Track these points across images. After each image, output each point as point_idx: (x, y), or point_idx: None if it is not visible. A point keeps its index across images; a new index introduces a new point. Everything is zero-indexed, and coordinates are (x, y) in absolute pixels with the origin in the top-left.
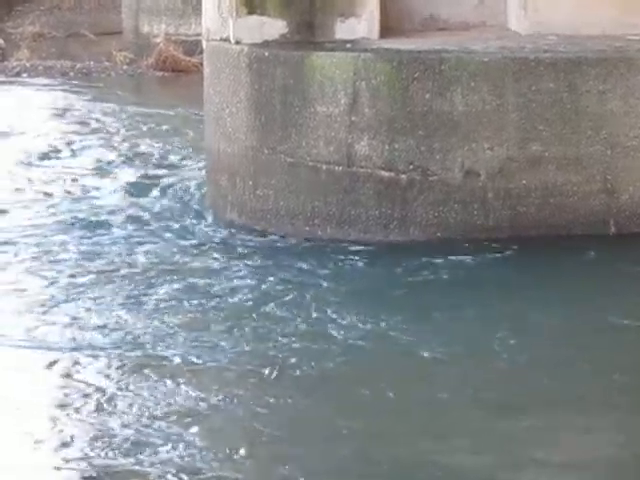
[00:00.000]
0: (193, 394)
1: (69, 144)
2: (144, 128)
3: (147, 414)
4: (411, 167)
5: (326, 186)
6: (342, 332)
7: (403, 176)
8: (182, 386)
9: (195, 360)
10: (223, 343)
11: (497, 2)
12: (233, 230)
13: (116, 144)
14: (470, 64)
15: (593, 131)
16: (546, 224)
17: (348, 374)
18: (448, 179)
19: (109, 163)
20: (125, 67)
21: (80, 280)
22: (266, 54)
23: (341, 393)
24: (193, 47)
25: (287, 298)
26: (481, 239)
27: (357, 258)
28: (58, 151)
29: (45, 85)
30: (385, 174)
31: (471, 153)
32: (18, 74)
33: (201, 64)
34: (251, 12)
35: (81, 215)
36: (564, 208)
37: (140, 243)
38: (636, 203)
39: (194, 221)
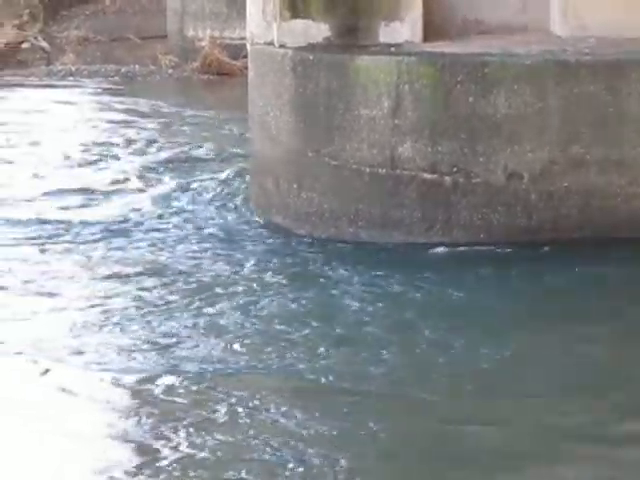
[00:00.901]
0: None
1: (115, 146)
2: (188, 131)
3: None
4: (454, 170)
5: (370, 189)
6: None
7: (447, 178)
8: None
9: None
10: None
11: (539, 6)
12: (278, 233)
13: (160, 147)
14: (513, 67)
15: (635, 133)
16: (589, 226)
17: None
18: (491, 181)
19: (155, 164)
20: (170, 71)
21: (146, 294)
22: (310, 57)
23: None
24: (238, 51)
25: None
26: (524, 241)
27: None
28: (104, 155)
29: (90, 88)
30: (428, 177)
31: (514, 155)
32: (64, 77)
33: (245, 67)
34: (295, 16)
35: (131, 216)
36: (607, 210)
37: (190, 250)
38: None
39: (240, 225)
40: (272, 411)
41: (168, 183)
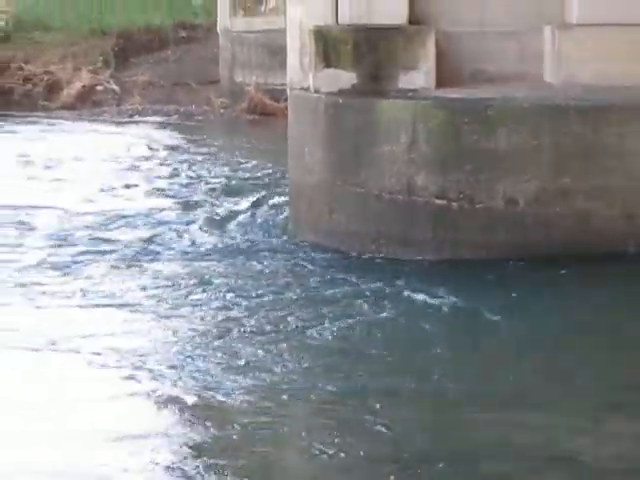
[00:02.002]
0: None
1: (175, 174)
2: (235, 161)
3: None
4: (461, 196)
5: (389, 212)
6: None
7: (454, 204)
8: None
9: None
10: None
11: (534, 59)
12: (310, 248)
13: (213, 175)
14: (512, 110)
15: (615, 166)
16: (576, 243)
17: None
18: (492, 206)
19: (209, 190)
20: (222, 111)
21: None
22: (340, 101)
23: None
24: (279, 94)
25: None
26: (518, 258)
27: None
28: (169, 181)
29: (154, 125)
30: (439, 202)
31: (511, 184)
32: (131, 116)
33: (285, 109)
34: (328, 66)
35: (184, 236)
36: (590, 231)
37: (238, 262)
38: None
39: (280, 241)
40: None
41: (221, 206)
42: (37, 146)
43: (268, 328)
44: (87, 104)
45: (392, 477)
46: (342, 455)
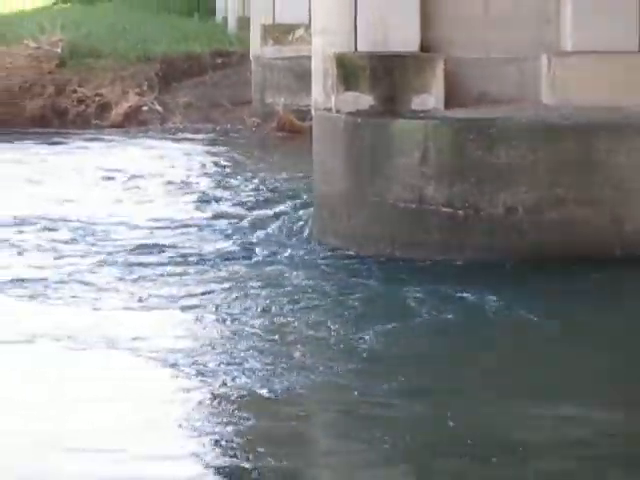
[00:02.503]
0: None
1: (214, 186)
2: (265, 172)
3: None
4: (466, 205)
5: (402, 219)
6: None
7: (460, 212)
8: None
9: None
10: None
11: (532, 83)
12: (331, 250)
13: (247, 185)
14: (511, 128)
15: (603, 179)
16: (568, 248)
17: None
18: (494, 214)
19: (245, 198)
20: (254, 129)
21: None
22: (359, 120)
23: None
24: (305, 114)
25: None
26: (517, 259)
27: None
28: (206, 191)
29: (193, 142)
30: (446, 210)
31: (511, 195)
32: (174, 134)
33: (310, 127)
34: (348, 89)
35: (219, 241)
36: (581, 236)
37: (270, 262)
38: (638, 233)
39: (305, 245)
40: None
41: (255, 213)
42: (95, 160)
43: (315, 329)
44: (134, 123)
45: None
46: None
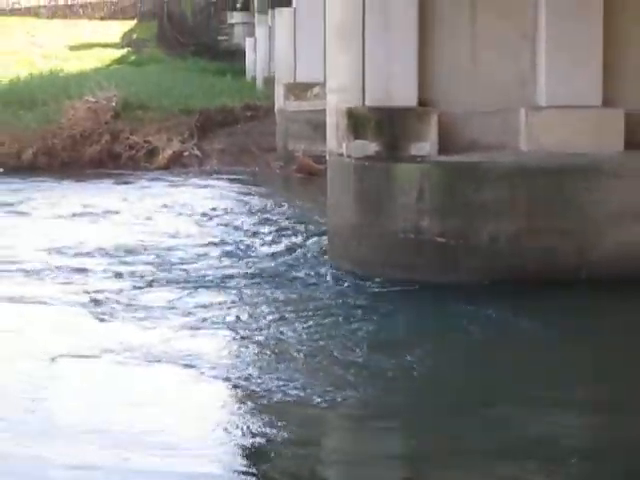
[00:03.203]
0: None
1: (240, 214)
2: (287, 206)
3: None
4: (456, 235)
5: (403, 247)
6: None
7: (452, 241)
8: None
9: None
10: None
11: (513, 132)
12: (343, 273)
13: (271, 217)
14: (494, 170)
15: (572, 213)
16: (543, 271)
17: None
18: (480, 243)
19: (269, 228)
20: (277, 171)
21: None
22: (366, 164)
23: None
24: (320, 159)
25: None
26: (500, 281)
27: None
28: (235, 220)
29: (227, 181)
30: (439, 240)
31: (495, 226)
32: (210, 175)
33: (325, 170)
34: (357, 138)
35: (244, 266)
36: (553, 261)
37: (291, 282)
38: (600, 259)
39: (321, 269)
40: None
41: (278, 241)
42: (155, 197)
43: (343, 345)
44: (177, 166)
45: None
46: None
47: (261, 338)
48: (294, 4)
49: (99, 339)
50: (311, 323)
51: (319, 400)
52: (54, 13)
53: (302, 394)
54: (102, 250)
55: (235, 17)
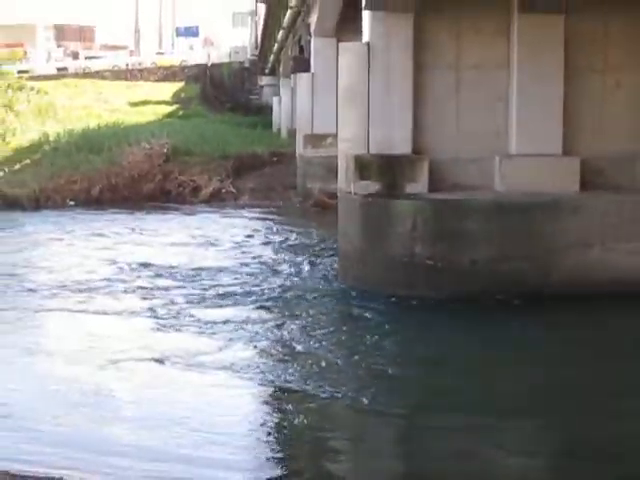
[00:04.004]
0: None
1: (268, 241)
2: (304, 234)
3: None
4: (443, 259)
5: (399, 268)
6: None
7: (439, 264)
8: None
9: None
10: None
11: (489, 175)
12: (353, 291)
13: (290, 242)
14: (474, 206)
15: (537, 241)
16: (513, 289)
17: None
18: (462, 265)
19: (289, 251)
20: (298, 205)
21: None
22: (369, 200)
23: None
24: (333, 195)
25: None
26: (478, 299)
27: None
28: (264, 245)
29: (257, 213)
30: (429, 262)
31: (474, 252)
32: (243, 207)
33: (336, 204)
34: (362, 179)
35: (268, 286)
36: (521, 281)
37: (307, 296)
38: (559, 279)
39: (333, 286)
40: None
41: (296, 263)
42: (197, 226)
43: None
44: (216, 200)
45: None
46: None
47: (286, 341)
48: (312, 70)
49: (157, 345)
50: (324, 330)
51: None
52: (117, 76)
53: (321, 388)
54: (158, 268)
55: (264, 80)
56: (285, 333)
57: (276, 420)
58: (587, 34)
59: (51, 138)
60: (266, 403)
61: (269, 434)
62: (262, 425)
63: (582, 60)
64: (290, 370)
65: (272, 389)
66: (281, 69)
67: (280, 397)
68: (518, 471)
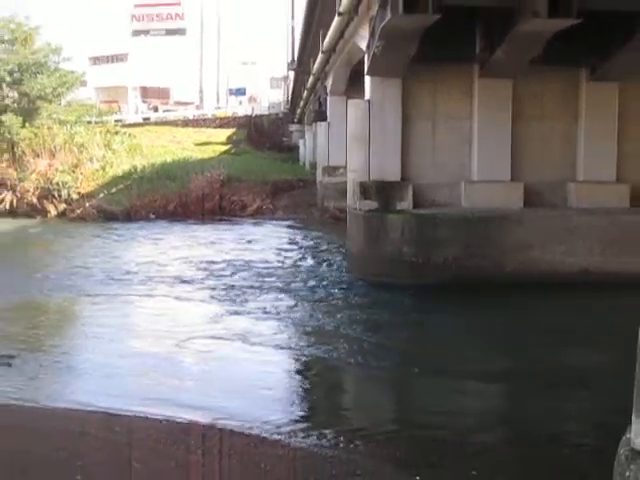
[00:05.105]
0: None
1: (294, 244)
2: (321, 237)
3: None
4: (423, 256)
5: (391, 263)
6: None
7: (420, 260)
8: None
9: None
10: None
11: (458, 196)
12: (359, 280)
13: (308, 244)
14: (446, 218)
15: (492, 244)
16: (474, 279)
17: None
18: (437, 261)
19: (308, 251)
20: (317, 218)
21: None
22: (370, 214)
23: None
24: (343, 210)
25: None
26: (448, 284)
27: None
28: (292, 248)
29: (287, 223)
30: (413, 259)
31: (446, 251)
32: (277, 220)
33: (346, 217)
34: (365, 199)
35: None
36: (480, 273)
37: (324, 283)
38: (509, 271)
39: (343, 276)
40: None
41: (315, 258)
42: (247, 232)
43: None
44: (258, 214)
45: None
46: None
47: (311, 317)
48: (328, 119)
49: (219, 324)
50: (335, 307)
51: (352, 360)
52: (186, 124)
53: (340, 357)
54: (216, 263)
55: (293, 127)
56: (310, 310)
57: (303, 375)
58: (529, 93)
59: (138, 169)
60: (297, 365)
61: (301, 387)
62: (295, 380)
63: (525, 112)
64: (312, 340)
65: (301, 356)
66: (305, 119)
67: (305, 361)
68: None
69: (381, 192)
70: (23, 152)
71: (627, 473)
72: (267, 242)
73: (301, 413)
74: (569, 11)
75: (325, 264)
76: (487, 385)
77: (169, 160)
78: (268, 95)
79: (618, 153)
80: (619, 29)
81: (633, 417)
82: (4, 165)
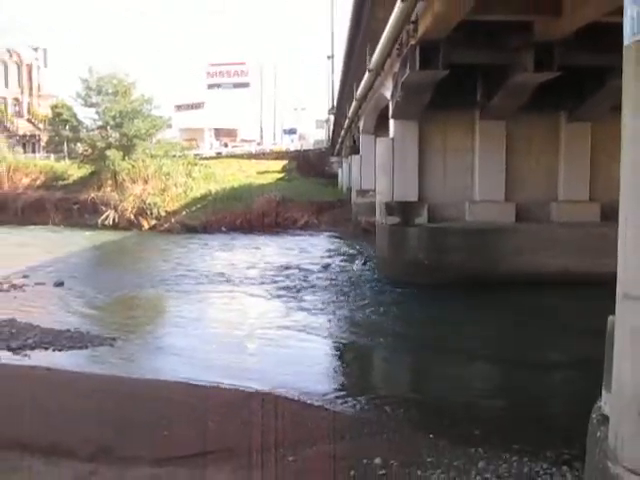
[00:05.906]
0: None
1: (332, 250)
2: (353, 247)
3: None
4: (434, 261)
5: (411, 267)
6: None
7: (433, 264)
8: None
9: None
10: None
11: (462, 212)
12: (386, 278)
13: (343, 251)
14: (454, 231)
15: (490, 251)
16: (476, 279)
17: None
18: (445, 265)
19: (342, 256)
20: (351, 230)
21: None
22: (394, 228)
23: None
24: (373, 224)
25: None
26: (454, 283)
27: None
28: (326, 254)
29: (328, 236)
30: (427, 263)
31: (452, 257)
32: (322, 232)
33: (375, 229)
34: (389, 215)
35: (325, 284)
36: (479, 274)
37: (358, 281)
38: (505, 273)
39: (374, 275)
40: None
41: (351, 262)
42: (296, 243)
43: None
44: (306, 228)
45: None
46: None
47: (348, 313)
48: (360, 153)
49: (274, 318)
50: (367, 302)
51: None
52: (250, 157)
53: (369, 341)
54: (274, 266)
55: (333, 159)
56: (352, 302)
57: (342, 355)
58: (519, 132)
59: (212, 192)
60: (338, 347)
61: (340, 365)
62: (336, 359)
63: (516, 146)
64: (349, 328)
65: (341, 340)
66: (343, 152)
67: (344, 344)
68: None
69: (402, 210)
70: (123, 179)
71: (598, 433)
72: (314, 249)
73: (339, 384)
74: (551, 66)
75: (359, 268)
76: (485, 363)
77: (236, 185)
78: (314, 134)
79: (590, 178)
80: (591, 80)
81: (603, 388)
82: (109, 190)
